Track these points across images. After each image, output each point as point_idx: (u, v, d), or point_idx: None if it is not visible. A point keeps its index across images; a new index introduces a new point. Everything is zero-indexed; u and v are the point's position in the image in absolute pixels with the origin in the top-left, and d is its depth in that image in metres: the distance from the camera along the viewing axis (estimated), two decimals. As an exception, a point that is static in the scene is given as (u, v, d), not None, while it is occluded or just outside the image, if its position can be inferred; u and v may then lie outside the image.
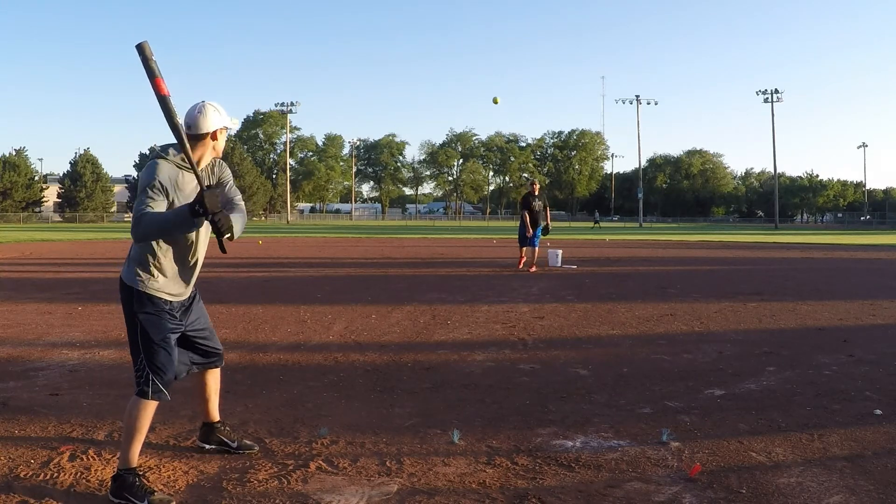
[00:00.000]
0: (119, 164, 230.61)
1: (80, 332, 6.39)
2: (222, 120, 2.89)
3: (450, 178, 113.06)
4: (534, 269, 13.29)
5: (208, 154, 2.89)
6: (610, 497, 2.77)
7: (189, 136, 2.79)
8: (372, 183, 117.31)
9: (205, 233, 2.93)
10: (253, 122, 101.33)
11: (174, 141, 2.73)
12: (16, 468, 3.00)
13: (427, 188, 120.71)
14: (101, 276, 12.18)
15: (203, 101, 2.88)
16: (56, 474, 2.94)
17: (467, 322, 7.07)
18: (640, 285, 11.04)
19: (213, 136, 2.86)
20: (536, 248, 13.41)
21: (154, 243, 2.79)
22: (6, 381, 4.54)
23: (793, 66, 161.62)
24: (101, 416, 3.78)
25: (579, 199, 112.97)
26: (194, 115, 2.84)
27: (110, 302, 8.47)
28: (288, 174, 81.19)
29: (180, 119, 2.71)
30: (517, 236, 14.13)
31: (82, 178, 68.92)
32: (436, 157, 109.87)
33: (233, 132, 3.39)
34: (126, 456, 2.78)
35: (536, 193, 13.23)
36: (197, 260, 2.94)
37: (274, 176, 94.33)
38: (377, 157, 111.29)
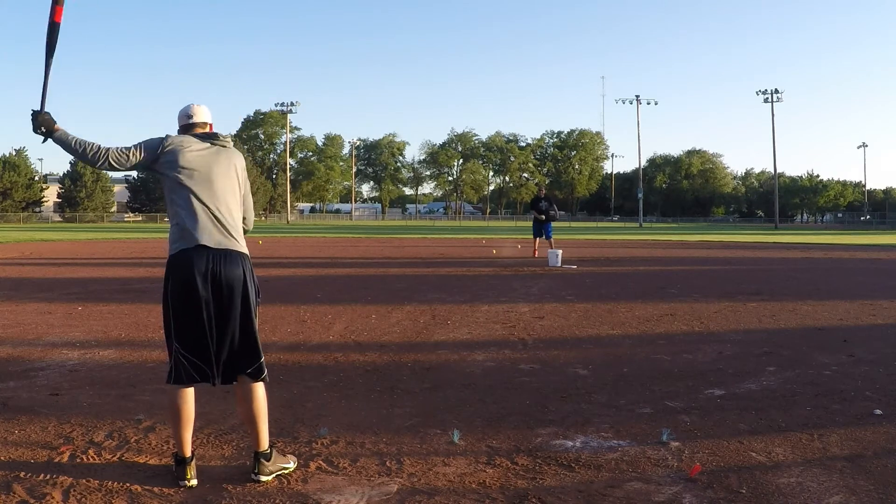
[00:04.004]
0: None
1: (80, 332, 6.39)
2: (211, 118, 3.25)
3: (450, 179, 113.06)
4: (536, 254, 16.54)
5: None
6: (610, 497, 2.77)
7: (188, 125, 3.14)
8: (372, 183, 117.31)
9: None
10: (253, 122, 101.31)
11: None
12: (16, 468, 3.00)
13: (427, 188, 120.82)
14: (101, 276, 12.17)
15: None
16: (56, 474, 2.94)
17: (467, 322, 7.07)
18: (640, 285, 11.04)
19: (210, 127, 3.21)
20: (538, 240, 16.54)
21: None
22: (6, 381, 4.54)
23: (793, 66, 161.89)
24: (101, 416, 3.78)
25: (579, 199, 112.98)
26: (192, 106, 3.19)
27: (110, 302, 8.48)
28: (288, 174, 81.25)
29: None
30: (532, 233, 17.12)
31: (82, 178, 68.97)
32: (436, 157, 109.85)
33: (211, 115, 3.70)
34: (266, 434, 2.99)
35: (543, 196, 16.62)
36: None
37: (274, 176, 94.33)
38: (377, 157, 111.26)
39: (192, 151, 2.99)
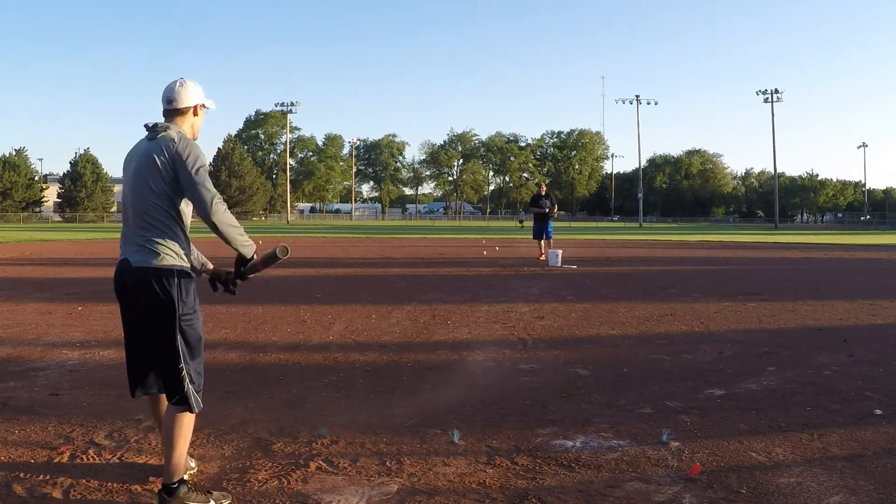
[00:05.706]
0: (119, 163, 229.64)
1: (80, 332, 6.39)
2: (202, 97, 2.80)
3: (450, 179, 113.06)
4: (542, 257, 15.50)
5: (187, 131, 2.73)
6: (610, 497, 2.77)
7: (168, 111, 2.72)
8: (372, 183, 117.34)
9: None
10: (253, 122, 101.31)
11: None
12: (16, 468, 3.00)
13: (427, 188, 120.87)
14: (102, 276, 12.16)
15: (182, 77, 2.79)
16: (56, 474, 2.94)
17: (467, 322, 7.07)
18: (640, 285, 11.04)
19: (195, 111, 2.78)
20: (542, 241, 15.75)
21: (185, 214, 2.67)
22: (6, 381, 4.54)
23: (793, 66, 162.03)
24: (101, 416, 3.78)
25: (579, 199, 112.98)
26: (175, 87, 2.72)
27: (110, 302, 8.45)
28: (288, 174, 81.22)
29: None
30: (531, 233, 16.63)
31: (82, 178, 68.94)
32: (436, 157, 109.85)
33: (210, 111, 3.21)
34: (178, 467, 2.61)
35: (543, 194, 15.90)
36: None
37: (274, 176, 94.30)
38: (377, 158, 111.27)
39: (129, 153, 2.71)
